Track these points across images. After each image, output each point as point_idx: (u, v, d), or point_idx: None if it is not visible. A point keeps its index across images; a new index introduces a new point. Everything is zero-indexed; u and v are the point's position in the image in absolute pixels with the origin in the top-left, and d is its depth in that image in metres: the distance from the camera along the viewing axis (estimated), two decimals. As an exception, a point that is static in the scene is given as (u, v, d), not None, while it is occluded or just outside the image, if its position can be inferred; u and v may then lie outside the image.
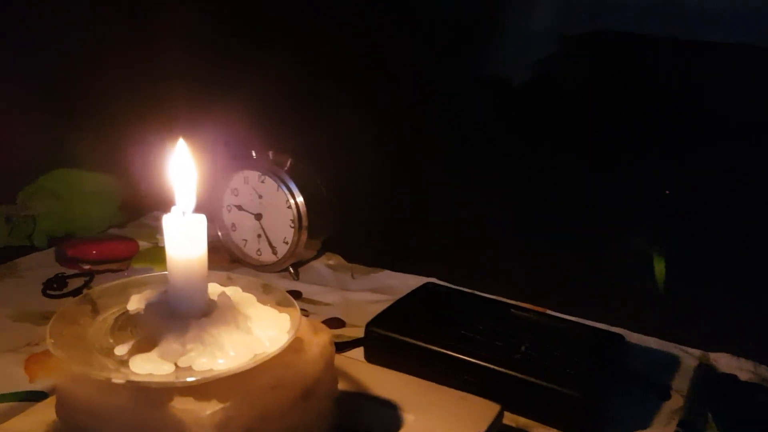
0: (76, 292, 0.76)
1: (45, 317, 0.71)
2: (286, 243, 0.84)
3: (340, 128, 0.89)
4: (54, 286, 0.77)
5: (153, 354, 0.41)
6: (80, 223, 0.93)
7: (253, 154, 0.85)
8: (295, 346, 0.47)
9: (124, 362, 0.42)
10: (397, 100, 0.90)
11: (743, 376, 0.67)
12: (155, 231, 0.92)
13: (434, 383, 0.57)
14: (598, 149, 0.79)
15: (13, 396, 0.58)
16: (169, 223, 0.43)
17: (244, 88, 0.86)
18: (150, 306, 0.45)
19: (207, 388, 0.41)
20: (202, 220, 0.43)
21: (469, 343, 0.63)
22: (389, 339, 0.65)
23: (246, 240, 0.87)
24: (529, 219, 0.85)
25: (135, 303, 0.47)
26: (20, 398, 0.58)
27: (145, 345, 0.42)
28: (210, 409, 0.40)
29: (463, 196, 0.88)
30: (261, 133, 0.87)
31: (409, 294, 0.73)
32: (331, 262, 0.90)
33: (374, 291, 0.83)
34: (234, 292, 0.49)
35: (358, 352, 0.67)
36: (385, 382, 0.57)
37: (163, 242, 0.86)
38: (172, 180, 0.43)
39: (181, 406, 0.40)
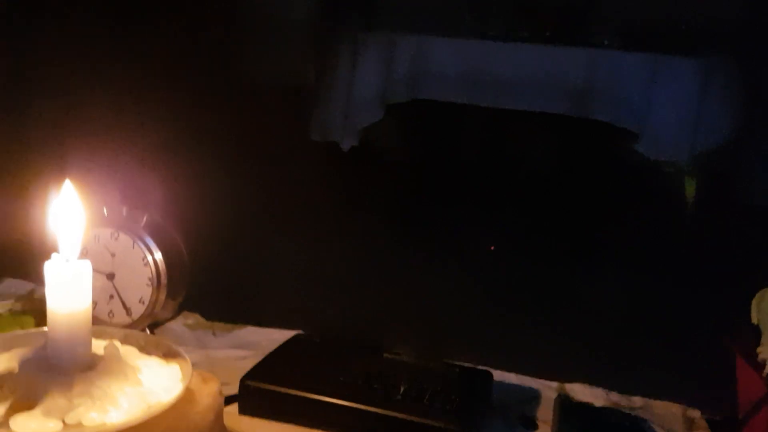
0: None
1: None
2: (143, 303, 0.80)
3: (196, 185, 0.88)
4: None
5: (36, 412, 0.38)
6: None
7: (105, 210, 0.81)
8: (186, 397, 0.45)
9: (2, 424, 0.38)
10: (240, 160, 0.91)
11: (597, 402, 0.72)
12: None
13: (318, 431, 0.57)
14: (419, 206, 0.85)
15: None
16: (51, 270, 0.40)
17: (95, 143, 0.83)
18: (26, 362, 0.41)
19: (100, 445, 0.38)
20: (87, 266, 0.41)
21: (348, 389, 0.63)
22: (266, 392, 0.63)
23: (96, 302, 0.82)
24: (384, 268, 0.88)
25: (4, 362, 0.43)
26: None
27: (25, 404, 0.39)
28: (105, 466, 0.37)
29: (312, 252, 0.89)
30: (113, 188, 0.83)
31: (280, 346, 0.72)
32: (189, 322, 0.86)
33: (238, 347, 0.81)
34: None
35: (232, 410, 0.65)
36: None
37: (1, 308, 0.79)
38: (55, 224, 0.40)
39: (74, 466, 0.37)
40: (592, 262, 0.79)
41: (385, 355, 0.71)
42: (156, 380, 0.42)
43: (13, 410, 0.38)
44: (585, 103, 1.11)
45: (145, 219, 0.80)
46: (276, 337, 0.81)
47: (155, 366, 0.44)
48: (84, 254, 0.81)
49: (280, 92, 0.89)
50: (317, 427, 0.56)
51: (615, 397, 0.73)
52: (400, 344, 0.75)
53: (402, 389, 0.64)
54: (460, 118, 0.83)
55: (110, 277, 0.80)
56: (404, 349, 0.72)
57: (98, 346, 0.44)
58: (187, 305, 0.89)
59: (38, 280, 0.93)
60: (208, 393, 0.46)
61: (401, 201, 0.85)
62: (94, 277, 0.81)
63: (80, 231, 0.41)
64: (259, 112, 0.88)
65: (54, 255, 0.41)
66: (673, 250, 0.79)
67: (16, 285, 0.91)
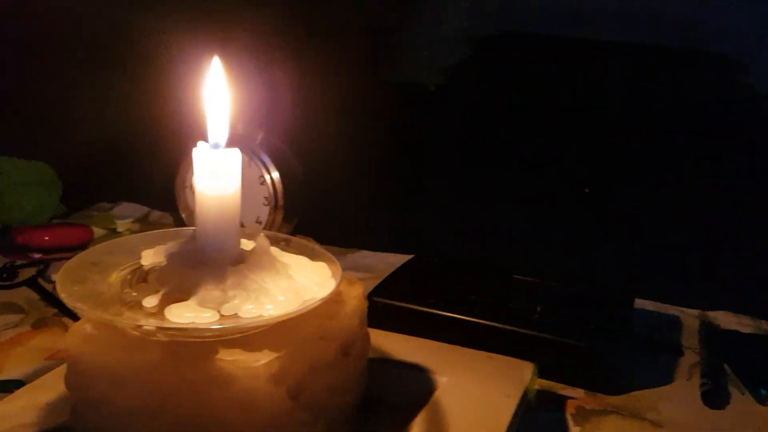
0: (29, 282, 0.68)
1: (-2, 308, 0.63)
2: (260, 223, 0.78)
3: (309, 104, 0.85)
4: (3, 276, 0.69)
5: (191, 302, 0.36)
6: (14, 214, 0.85)
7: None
8: (335, 298, 0.42)
9: (156, 314, 0.36)
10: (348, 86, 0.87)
11: (744, 330, 0.66)
12: (110, 217, 0.84)
13: (456, 346, 0.54)
14: (512, 148, 0.80)
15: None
16: (200, 156, 0.38)
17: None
18: (174, 256, 0.39)
19: (254, 338, 0.36)
20: (237, 154, 0.38)
21: (481, 307, 0.60)
22: (396, 308, 0.61)
23: (212, 223, 0.81)
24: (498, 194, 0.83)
25: (150, 257, 0.41)
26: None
27: (177, 296, 0.37)
28: (263, 359, 0.35)
29: (424, 178, 0.87)
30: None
31: (402, 266, 0.70)
32: (303, 245, 0.85)
33: (354, 269, 0.79)
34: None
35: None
36: (407, 348, 0.53)
37: (122, 227, 0.79)
38: (205, 106, 0.38)
39: (230, 357, 0.35)
40: (731, 188, 0.73)
41: (515, 276, 0.67)
42: (307, 276, 0.40)
43: (165, 302, 0.36)
44: (692, 33, 1.01)
45: (260, 137, 0.78)
46: (391, 260, 0.79)
47: (303, 263, 0.42)
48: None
49: (358, 29, 0.85)
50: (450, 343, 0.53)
51: (764, 325, 0.67)
52: (528, 268, 0.71)
53: (538, 309, 0.60)
54: (552, 52, 0.77)
55: (226, 197, 0.79)
56: (536, 272, 0.68)
57: (244, 243, 0.41)
58: (301, 230, 0.87)
59: (152, 203, 0.94)
60: (355, 295, 0.44)
61: (491, 141, 0.81)
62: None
63: (228, 115, 0.38)
64: (344, 50, 0.84)
65: (201, 142, 0.38)
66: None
67: (131, 208, 0.91)
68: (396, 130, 0.87)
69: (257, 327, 0.36)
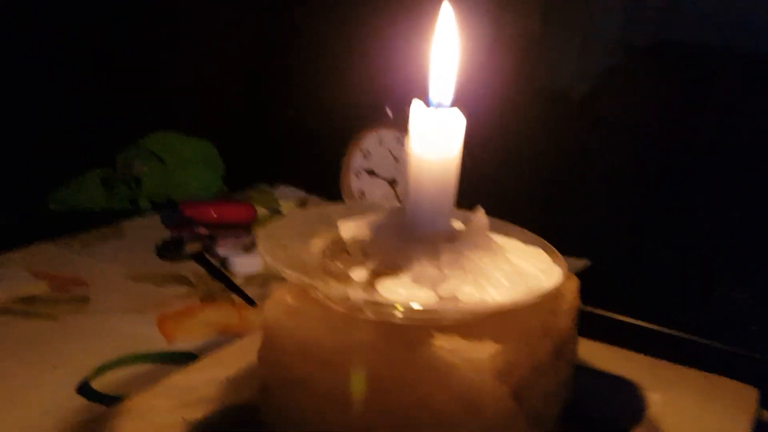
0: (197, 256, 0.67)
1: (166, 279, 0.63)
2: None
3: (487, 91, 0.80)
4: (171, 249, 0.68)
5: (405, 278, 0.32)
6: (179, 189, 0.85)
7: (389, 111, 0.76)
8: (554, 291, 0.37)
9: (366, 288, 0.32)
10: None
11: None
12: (272, 197, 0.83)
13: (662, 360, 0.47)
14: (665, 163, 0.72)
15: (159, 356, 0.49)
16: (419, 115, 0.33)
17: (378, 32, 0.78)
18: (381, 227, 0.35)
19: (472, 326, 0.32)
20: (460, 116, 0.34)
21: (686, 321, 0.53)
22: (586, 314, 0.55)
23: (375, 210, 0.77)
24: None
25: (350, 229, 0.37)
26: (165, 359, 0.48)
27: (386, 271, 0.33)
28: (486, 350, 0.30)
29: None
30: (397, 86, 0.78)
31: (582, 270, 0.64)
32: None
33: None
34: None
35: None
36: (607, 357, 0.47)
37: (285, 209, 0.77)
38: (432, 57, 0.34)
39: (450, 346, 0.30)
40: None
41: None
42: (527, 261, 0.35)
43: (373, 276, 0.33)
44: None
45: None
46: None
47: (519, 246, 0.37)
48: (366, 157, 0.77)
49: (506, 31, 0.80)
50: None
51: None
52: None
53: (754, 328, 0.52)
54: (714, 64, 0.69)
55: (392, 183, 0.76)
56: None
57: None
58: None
59: (309, 188, 0.92)
60: (571, 290, 0.38)
61: (643, 153, 0.73)
62: (375, 183, 0.77)
63: (455, 72, 0.34)
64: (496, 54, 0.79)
65: (416, 100, 0.34)
66: None
67: (288, 191, 0.90)
68: (550, 136, 0.81)
69: (483, 312, 0.31)
